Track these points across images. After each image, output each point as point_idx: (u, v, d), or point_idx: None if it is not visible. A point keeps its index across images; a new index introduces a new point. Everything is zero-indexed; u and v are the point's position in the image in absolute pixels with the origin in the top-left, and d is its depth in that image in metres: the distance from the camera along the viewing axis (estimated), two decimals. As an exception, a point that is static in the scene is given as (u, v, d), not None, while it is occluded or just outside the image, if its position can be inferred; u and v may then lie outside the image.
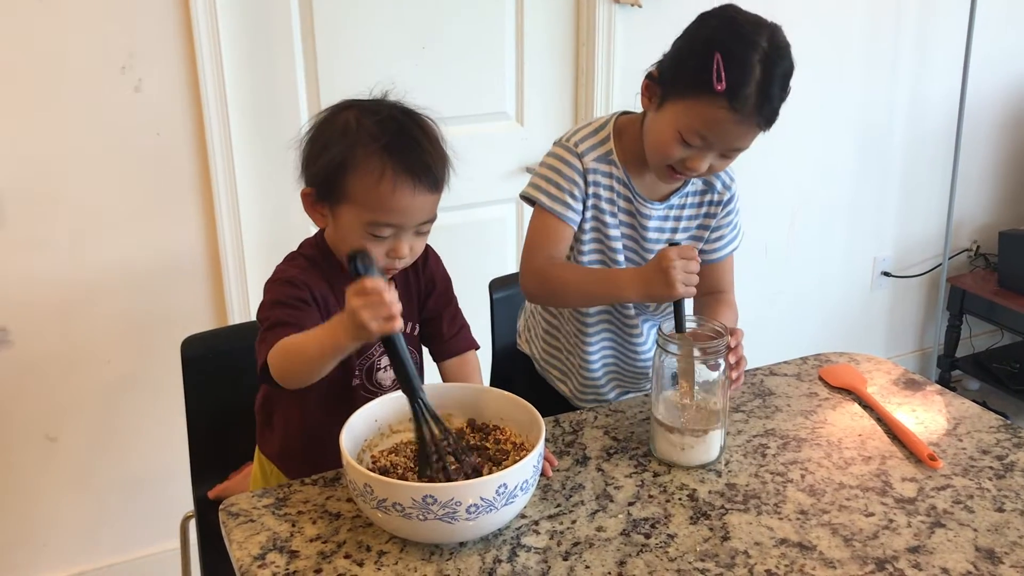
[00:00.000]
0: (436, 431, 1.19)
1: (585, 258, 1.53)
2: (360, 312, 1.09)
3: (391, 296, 1.10)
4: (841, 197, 3.04)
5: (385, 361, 1.41)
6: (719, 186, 1.55)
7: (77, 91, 1.92)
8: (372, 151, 1.24)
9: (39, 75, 1.88)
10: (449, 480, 1.15)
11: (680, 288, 1.31)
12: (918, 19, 2.92)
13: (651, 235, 1.53)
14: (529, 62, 2.40)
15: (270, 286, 1.35)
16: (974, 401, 1.55)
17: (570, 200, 1.48)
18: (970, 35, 2.88)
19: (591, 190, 1.49)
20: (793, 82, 1.35)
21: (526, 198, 1.52)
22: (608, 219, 1.51)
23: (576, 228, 1.50)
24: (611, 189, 1.50)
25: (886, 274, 3.21)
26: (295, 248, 1.43)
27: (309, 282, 1.33)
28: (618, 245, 1.53)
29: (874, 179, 3.08)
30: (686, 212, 1.55)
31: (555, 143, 1.53)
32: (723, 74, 1.29)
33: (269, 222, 2.22)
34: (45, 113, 1.91)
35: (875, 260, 3.19)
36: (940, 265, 3.22)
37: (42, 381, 2.08)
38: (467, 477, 1.16)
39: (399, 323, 1.11)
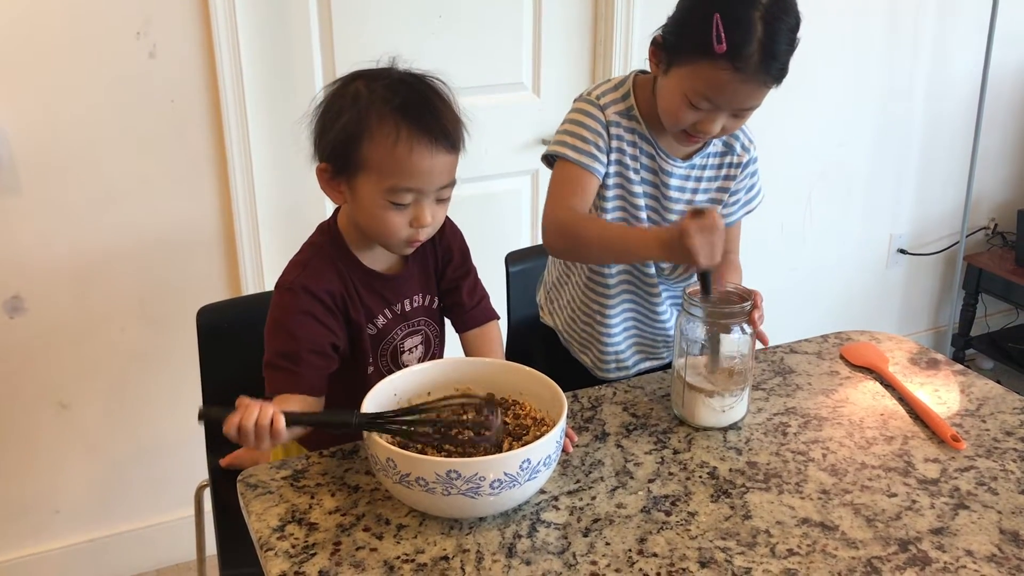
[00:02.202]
0: (424, 424, 1.19)
1: (609, 216, 1.51)
2: (256, 445, 1.13)
3: (250, 420, 1.12)
4: (858, 173, 3.00)
5: (408, 344, 1.40)
6: (738, 148, 1.54)
7: (91, 57, 1.90)
8: (385, 114, 1.22)
9: (53, 40, 1.86)
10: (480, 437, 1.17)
11: (703, 262, 1.28)
12: (941, -7, 2.88)
13: (673, 193, 1.51)
14: (547, 32, 2.37)
15: (281, 295, 1.31)
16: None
17: (596, 151, 1.45)
18: (994, 10, 2.83)
19: (614, 143, 1.47)
20: (802, 34, 1.32)
21: (549, 158, 1.49)
22: (631, 175, 1.49)
23: (601, 179, 1.47)
24: (634, 145, 1.48)
25: (902, 251, 3.19)
26: (306, 225, 1.42)
27: (319, 289, 1.28)
28: (641, 203, 1.51)
29: (892, 155, 3.04)
30: (707, 173, 1.54)
31: (576, 99, 1.51)
32: (723, 35, 1.27)
33: (284, 191, 2.20)
34: (59, 79, 1.89)
35: (891, 237, 3.16)
36: (957, 243, 3.19)
37: (55, 348, 2.08)
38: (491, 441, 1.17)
39: (281, 432, 1.13)
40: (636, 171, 1.49)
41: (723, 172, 1.55)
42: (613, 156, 1.47)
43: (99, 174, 1.99)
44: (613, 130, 1.46)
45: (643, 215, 1.51)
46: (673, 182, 1.51)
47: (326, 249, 1.34)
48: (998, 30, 2.86)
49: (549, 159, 1.50)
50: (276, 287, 1.32)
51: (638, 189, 1.50)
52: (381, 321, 1.36)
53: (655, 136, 1.48)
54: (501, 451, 1.17)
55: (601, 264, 1.56)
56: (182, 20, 1.94)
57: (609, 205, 1.50)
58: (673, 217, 1.52)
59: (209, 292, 2.13)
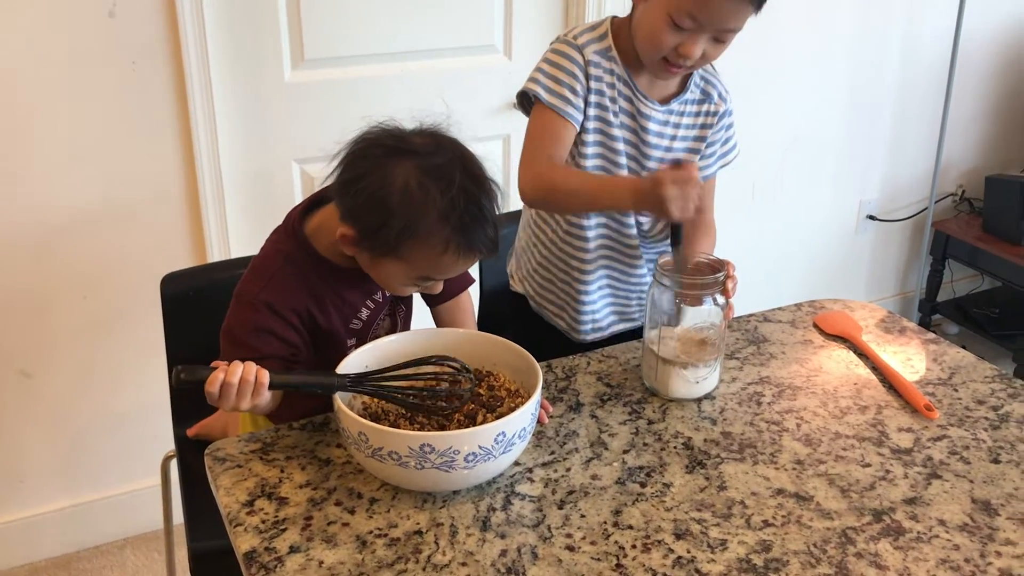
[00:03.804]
0: (397, 390, 1.18)
1: (588, 162, 1.48)
2: (237, 403, 1.13)
3: (234, 375, 1.12)
4: (830, 138, 3.00)
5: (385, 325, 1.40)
6: (715, 96, 1.53)
7: (49, 16, 1.83)
8: (440, 228, 1.16)
9: (7, -3, 1.79)
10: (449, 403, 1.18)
11: (675, 213, 1.27)
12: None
13: (652, 139, 1.49)
14: (519, -7, 2.33)
15: (242, 307, 1.25)
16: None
17: (570, 95, 1.42)
18: (967, -25, 2.82)
19: (593, 85, 1.44)
20: (783, 6, 1.31)
21: (523, 97, 1.46)
22: (611, 117, 1.46)
23: (577, 128, 1.45)
24: (612, 87, 1.45)
25: (871, 218, 3.20)
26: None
27: (283, 306, 1.23)
28: (621, 147, 1.48)
29: (864, 121, 3.04)
30: (685, 120, 1.52)
31: (553, 41, 1.48)
32: None
33: (249, 154, 2.14)
34: (15, 38, 1.82)
35: (861, 203, 3.16)
36: (925, 209, 3.21)
37: (16, 317, 2.03)
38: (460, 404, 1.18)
39: (264, 387, 1.13)
40: (615, 114, 1.47)
41: (700, 120, 1.53)
42: (593, 98, 1.45)
43: (58, 137, 1.93)
44: (592, 70, 1.44)
45: (623, 160, 1.49)
46: (652, 126, 1.48)
47: (295, 259, 1.27)
48: (970, -4, 2.85)
49: (523, 100, 1.46)
50: (236, 295, 1.26)
51: (618, 133, 1.47)
52: (365, 313, 1.33)
53: (633, 77, 1.46)
54: (475, 423, 1.15)
55: (576, 214, 1.53)
56: (142, -23, 1.88)
57: (589, 151, 1.48)
58: (652, 164, 1.50)
59: (174, 258, 2.08)
